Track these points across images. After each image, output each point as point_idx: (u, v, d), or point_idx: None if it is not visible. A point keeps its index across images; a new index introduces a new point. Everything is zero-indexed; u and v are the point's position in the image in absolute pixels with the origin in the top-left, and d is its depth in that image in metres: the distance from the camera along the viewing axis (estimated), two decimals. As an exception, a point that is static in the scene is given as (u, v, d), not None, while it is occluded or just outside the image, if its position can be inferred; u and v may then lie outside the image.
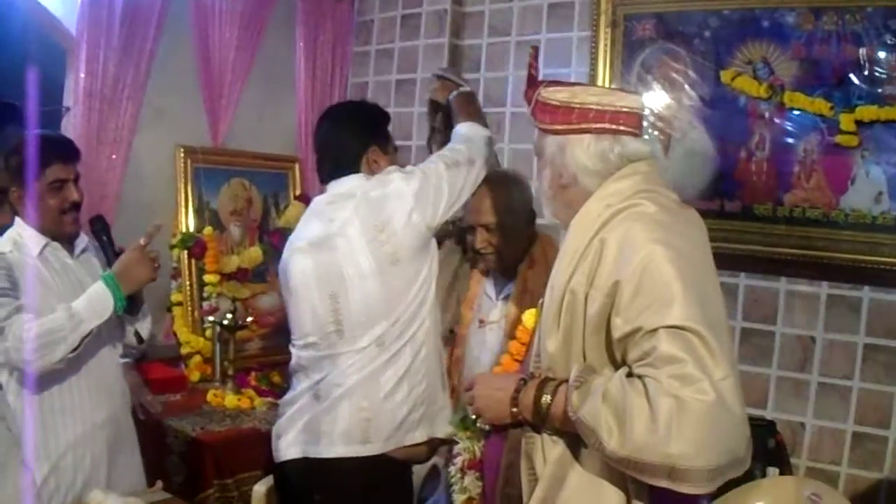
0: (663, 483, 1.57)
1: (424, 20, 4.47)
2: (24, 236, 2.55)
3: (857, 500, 3.18)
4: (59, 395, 2.50)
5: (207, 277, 4.08)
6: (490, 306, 2.94)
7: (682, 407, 1.52)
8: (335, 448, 2.53)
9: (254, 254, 4.31)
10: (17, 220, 2.59)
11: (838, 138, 3.27)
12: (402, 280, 2.54)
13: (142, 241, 2.59)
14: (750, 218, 3.49)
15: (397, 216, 2.53)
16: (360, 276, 2.51)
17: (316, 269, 2.58)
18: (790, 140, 3.39)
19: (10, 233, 2.56)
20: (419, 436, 2.60)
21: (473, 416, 2.01)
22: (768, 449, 3.22)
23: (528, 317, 2.10)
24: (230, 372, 3.78)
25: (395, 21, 4.60)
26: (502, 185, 2.87)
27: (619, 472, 1.69)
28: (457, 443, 2.13)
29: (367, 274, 2.51)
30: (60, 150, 2.60)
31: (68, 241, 2.67)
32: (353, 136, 2.69)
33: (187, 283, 4.05)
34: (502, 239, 2.84)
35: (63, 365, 2.42)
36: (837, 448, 3.35)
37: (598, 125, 1.91)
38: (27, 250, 2.53)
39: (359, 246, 2.52)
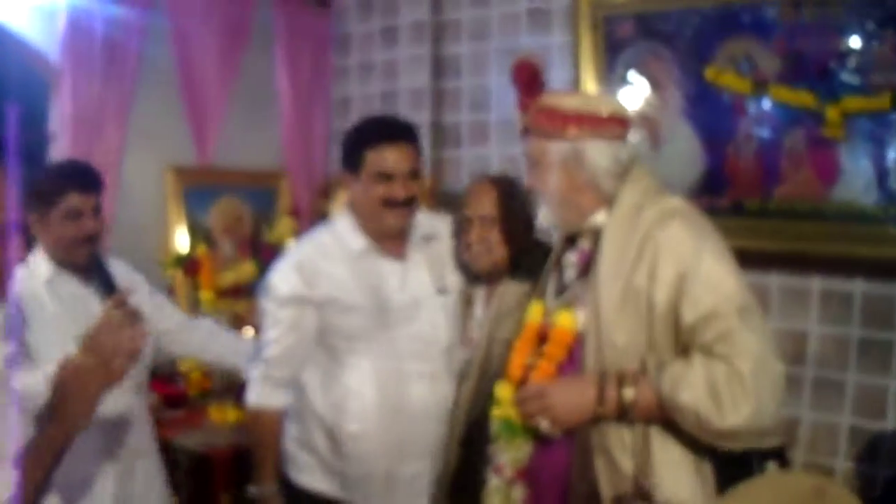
0: (751, 444, 1.92)
1: (404, 31, 4.47)
2: (38, 263, 2.57)
3: (853, 493, 3.15)
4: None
5: (203, 294, 4.09)
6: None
7: (764, 375, 1.86)
8: None
9: (248, 269, 4.32)
10: (38, 246, 2.60)
11: (825, 130, 3.23)
12: None
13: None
14: (740, 214, 3.47)
15: None
16: None
17: None
18: (777, 134, 3.37)
19: (30, 259, 2.59)
20: None
21: (543, 424, 2.01)
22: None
23: (565, 319, 2.07)
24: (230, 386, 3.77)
25: (375, 33, 4.60)
26: (507, 184, 2.78)
27: (691, 443, 1.95)
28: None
29: None
30: (78, 179, 2.56)
31: (85, 269, 2.60)
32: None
33: (182, 300, 4.05)
34: (497, 235, 2.69)
35: None
36: (833, 442, 3.33)
37: (610, 129, 2.05)
38: (37, 277, 2.54)
39: None
